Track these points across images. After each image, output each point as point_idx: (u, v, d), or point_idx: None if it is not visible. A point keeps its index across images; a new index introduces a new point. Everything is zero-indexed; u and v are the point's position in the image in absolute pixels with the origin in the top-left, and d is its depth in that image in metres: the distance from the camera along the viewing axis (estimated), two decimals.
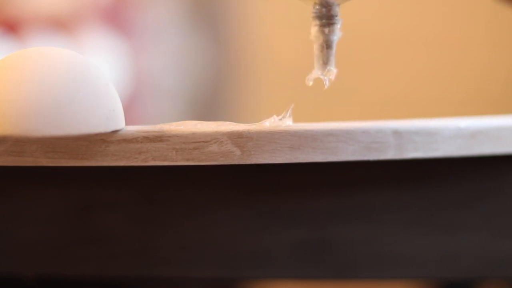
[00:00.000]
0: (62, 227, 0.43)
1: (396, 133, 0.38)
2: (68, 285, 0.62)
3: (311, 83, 0.38)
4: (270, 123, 0.37)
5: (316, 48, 0.38)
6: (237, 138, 0.36)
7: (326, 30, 0.38)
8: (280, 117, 0.38)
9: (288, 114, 0.38)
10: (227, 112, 1.28)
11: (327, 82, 0.39)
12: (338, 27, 0.39)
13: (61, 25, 1.18)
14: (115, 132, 0.36)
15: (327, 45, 0.38)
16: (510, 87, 1.27)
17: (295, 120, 0.39)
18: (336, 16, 0.39)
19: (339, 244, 0.43)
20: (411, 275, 0.45)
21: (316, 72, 0.38)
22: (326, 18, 0.38)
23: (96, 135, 0.36)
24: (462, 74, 1.29)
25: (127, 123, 0.37)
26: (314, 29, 0.38)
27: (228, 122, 0.37)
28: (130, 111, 1.15)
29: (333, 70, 0.40)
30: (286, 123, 0.38)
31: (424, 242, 0.43)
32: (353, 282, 0.78)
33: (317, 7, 0.38)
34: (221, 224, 0.43)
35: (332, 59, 0.39)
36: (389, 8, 1.29)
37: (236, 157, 0.36)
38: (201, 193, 0.42)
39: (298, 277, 0.44)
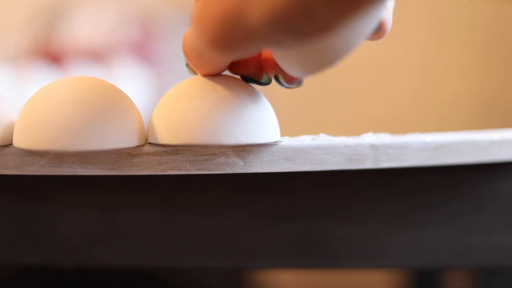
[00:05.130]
0: (95, 225, 0.42)
1: (373, 146, 0.37)
2: (101, 274, 0.62)
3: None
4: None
5: None
6: (241, 151, 0.36)
7: None
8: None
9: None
10: None
11: None
12: None
13: (97, 56, 1.19)
14: (139, 146, 0.36)
15: None
16: (475, 110, 1.27)
17: (296, 133, 0.39)
18: None
19: (327, 239, 0.42)
20: (388, 265, 0.45)
21: None
22: None
23: (123, 149, 0.36)
24: (437, 100, 1.29)
25: None
26: None
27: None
28: None
29: None
30: (282, 139, 0.37)
31: (398, 237, 0.43)
32: (339, 271, 0.78)
33: None
34: (227, 223, 0.42)
35: None
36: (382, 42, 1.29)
37: (240, 167, 0.36)
38: (210, 197, 0.42)
39: (292, 267, 0.43)
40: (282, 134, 0.38)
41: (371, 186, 0.42)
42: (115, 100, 0.35)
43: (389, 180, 0.42)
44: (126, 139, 0.35)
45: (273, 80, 0.36)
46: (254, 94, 0.36)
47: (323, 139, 0.37)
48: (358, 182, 0.42)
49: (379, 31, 0.33)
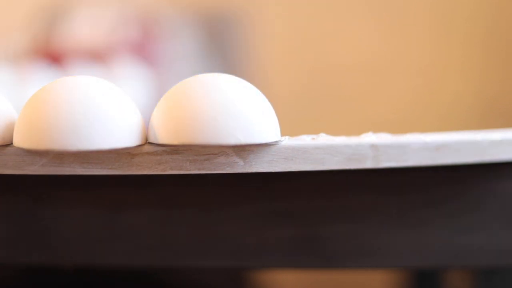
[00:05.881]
0: (95, 225, 0.42)
1: (373, 146, 0.37)
2: (101, 274, 0.62)
3: None
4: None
5: None
6: (241, 151, 0.35)
7: None
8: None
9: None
10: None
11: None
12: None
13: (97, 56, 1.19)
14: (139, 146, 0.36)
15: None
16: (475, 110, 1.28)
17: (296, 133, 0.38)
18: None
19: (326, 239, 0.43)
20: (387, 265, 0.45)
21: None
22: None
23: (123, 148, 0.35)
24: (437, 100, 1.30)
25: None
26: None
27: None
28: None
29: None
30: (283, 138, 0.37)
31: (397, 237, 0.43)
32: (339, 271, 0.78)
33: None
34: (227, 222, 0.43)
35: None
36: (380, 41, 1.30)
37: (240, 167, 0.36)
38: (210, 197, 0.42)
39: (292, 267, 0.43)
40: (282, 134, 0.37)
41: (371, 186, 0.42)
42: (115, 100, 0.35)
43: (389, 180, 0.41)
44: (126, 139, 0.35)
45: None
46: (254, 94, 0.36)
47: (323, 139, 0.37)
48: (358, 182, 0.41)
49: None
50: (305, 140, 0.37)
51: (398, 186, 0.42)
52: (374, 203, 0.42)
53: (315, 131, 0.40)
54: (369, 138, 0.38)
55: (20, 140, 0.35)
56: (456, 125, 1.23)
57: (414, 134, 0.39)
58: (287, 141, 0.37)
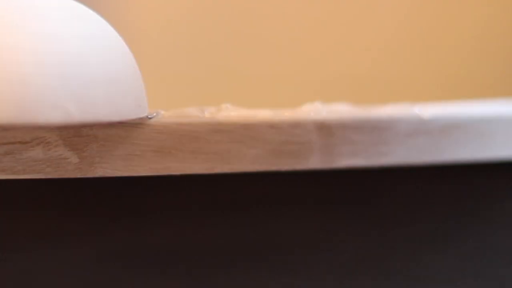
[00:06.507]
0: None
1: (322, 127, 0.28)
2: None
3: None
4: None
5: None
6: (74, 137, 0.27)
7: None
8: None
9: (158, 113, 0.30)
10: None
11: None
12: None
13: None
14: None
15: None
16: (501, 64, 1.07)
17: (180, 103, 0.31)
18: None
19: None
20: None
21: None
22: None
23: None
24: (438, 50, 1.08)
25: None
26: None
27: None
28: None
29: None
30: (152, 114, 0.29)
31: None
32: None
33: None
34: None
35: None
36: None
37: (72, 167, 0.27)
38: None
39: None
40: (155, 105, 0.30)
41: (320, 204, 0.31)
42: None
43: (349, 192, 0.31)
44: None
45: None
46: (102, 33, 0.29)
47: (228, 114, 0.29)
48: (295, 197, 0.31)
49: None
50: (194, 116, 0.29)
51: (365, 203, 0.31)
52: (324, 241, 0.31)
53: (215, 99, 0.33)
54: (314, 112, 0.29)
55: None
56: (469, 91, 1.01)
57: (399, 104, 0.30)
58: (161, 118, 0.29)
